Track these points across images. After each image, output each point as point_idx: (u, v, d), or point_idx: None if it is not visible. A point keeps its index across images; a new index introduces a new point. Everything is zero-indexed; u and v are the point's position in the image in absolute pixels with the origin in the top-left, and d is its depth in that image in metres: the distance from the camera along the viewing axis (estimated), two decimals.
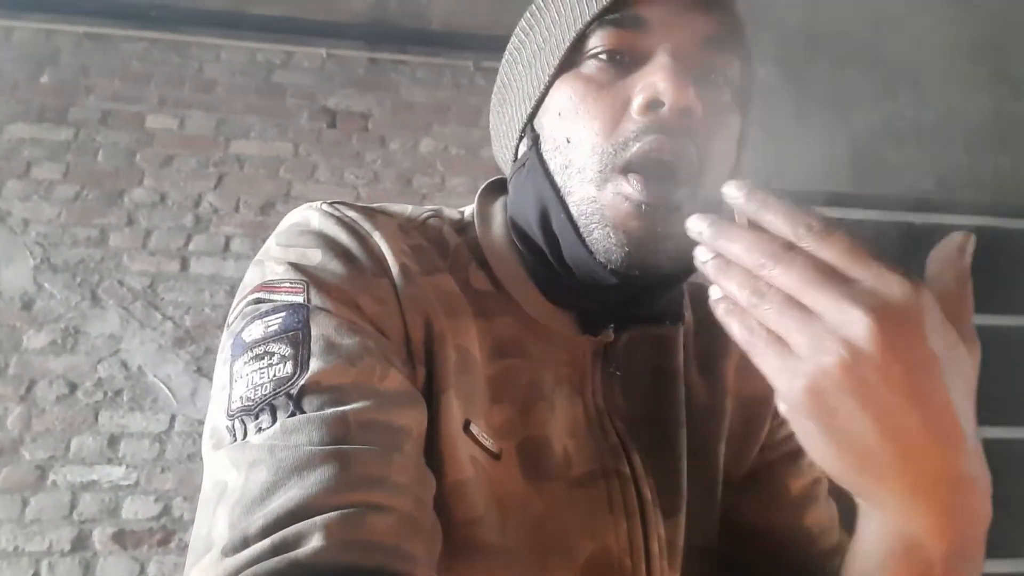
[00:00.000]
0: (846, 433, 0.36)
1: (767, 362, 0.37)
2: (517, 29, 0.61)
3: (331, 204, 0.57)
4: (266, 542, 0.37)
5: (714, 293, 0.40)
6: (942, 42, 3.16)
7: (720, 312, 0.40)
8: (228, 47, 2.74)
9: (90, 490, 2.05)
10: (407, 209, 0.63)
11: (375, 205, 0.60)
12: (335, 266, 0.52)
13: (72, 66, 2.61)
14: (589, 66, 0.53)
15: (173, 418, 2.17)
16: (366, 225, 0.55)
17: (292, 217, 0.57)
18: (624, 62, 0.52)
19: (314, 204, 0.57)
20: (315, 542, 0.37)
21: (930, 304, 0.35)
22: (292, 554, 0.36)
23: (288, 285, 0.50)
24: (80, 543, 1.98)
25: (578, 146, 0.52)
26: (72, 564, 1.96)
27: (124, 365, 2.22)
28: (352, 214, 0.56)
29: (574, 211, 0.53)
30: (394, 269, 0.53)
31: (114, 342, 2.24)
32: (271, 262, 0.53)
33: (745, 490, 0.65)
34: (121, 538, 2.01)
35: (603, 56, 0.52)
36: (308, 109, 2.70)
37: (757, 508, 0.65)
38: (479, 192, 0.66)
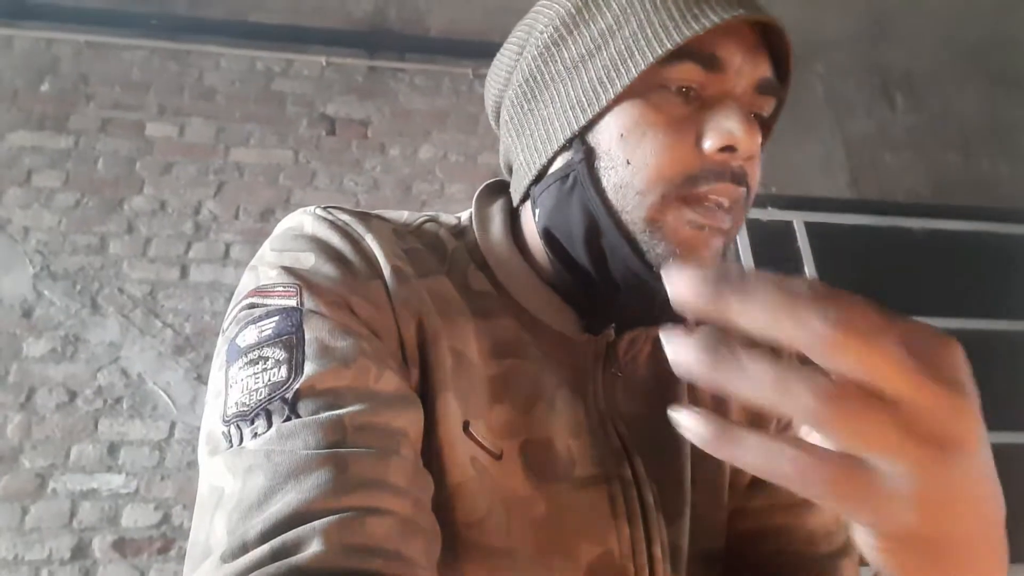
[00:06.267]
0: (955, 557, 0.29)
1: (875, 488, 0.26)
2: (552, 19, 0.58)
3: (325, 208, 0.57)
4: (265, 548, 0.37)
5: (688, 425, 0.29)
6: (939, 46, 3.17)
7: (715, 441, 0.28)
8: (228, 55, 2.75)
9: (90, 498, 2.05)
10: (403, 214, 0.63)
11: (371, 210, 0.60)
12: (328, 269, 0.52)
13: (72, 74, 2.62)
14: (659, 95, 0.53)
15: (173, 426, 2.17)
16: (359, 228, 0.55)
17: (286, 222, 0.57)
18: (692, 97, 0.53)
19: (308, 208, 0.58)
20: (314, 547, 0.37)
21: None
22: (291, 560, 0.36)
23: (281, 289, 0.50)
24: (80, 551, 1.98)
25: (640, 171, 0.53)
26: (72, 572, 1.95)
27: (124, 373, 2.22)
28: (345, 217, 0.56)
29: (631, 228, 0.53)
30: (386, 271, 0.53)
31: (114, 350, 2.24)
32: (264, 267, 0.53)
33: (750, 495, 0.65)
34: (121, 546, 2.00)
35: (673, 89, 0.53)
36: (307, 117, 2.71)
37: (762, 511, 0.65)
38: (476, 195, 0.66)
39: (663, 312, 0.59)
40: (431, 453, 0.50)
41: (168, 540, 2.03)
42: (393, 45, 2.89)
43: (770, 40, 0.55)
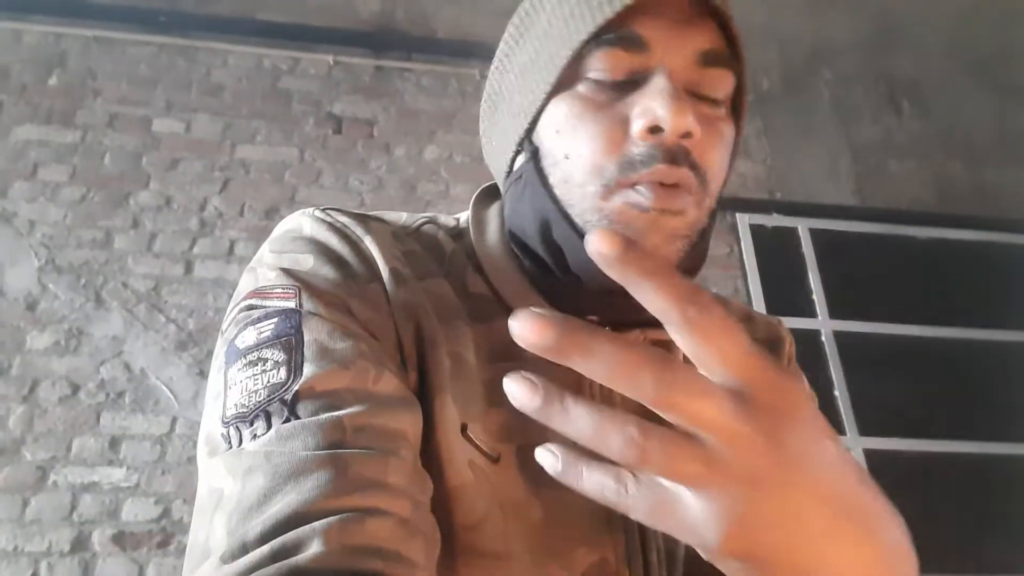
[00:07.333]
0: (783, 572, 0.31)
1: (685, 515, 0.30)
2: (506, 35, 0.60)
3: (323, 210, 0.57)
4: (265, 548, 0.37)
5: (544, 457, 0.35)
6: (946, 55, 3.16)
7: (564, 473, 0.34)
8: (235, 52, 2.76)
9: (90, 491, 2.05)
10: (402, 216, 0.63)
11: (370, 212, 0.60)
12: (327, 271, 0.52)
13: (80, 69, 2.63)
14: (586, 85, 0.52)
15: (174, 421, 2.17)
16: (358, 230, 0.56)
17: (285, 224, 0.58)
18: (621, 82, 0.52)
19: (307, 210, 0.58)
20: (314, 548, 0.37)
21: (800, 387, 0.31)
22: (291, 560, 0.36)
23: (280, 291, 0.50)
24: (80, 544, 1.98)
25: (577, 162, 0.52)
26: (71, 565, 1.95)
27: (127, 367, 2.22)
28: (344, 219, 0.56)
29: (577, 220, 0.53)
30: (385, 274, 0.53)
31: (117, 344, 2.25)
32: (263, 268, 0.53)
33: None
34: (121, 540, 2.01)
35: (601, 78, 0.52)
36: (314, 115, 2.71)
37: None
38: (474, 198, 0.66)
39: (630, 304, 0.59)
40: (429, 455, 0.50)
41: (168, 534, 2.03)
42: (400, 45, 2.89)
43: (719, 13, 0.53)
